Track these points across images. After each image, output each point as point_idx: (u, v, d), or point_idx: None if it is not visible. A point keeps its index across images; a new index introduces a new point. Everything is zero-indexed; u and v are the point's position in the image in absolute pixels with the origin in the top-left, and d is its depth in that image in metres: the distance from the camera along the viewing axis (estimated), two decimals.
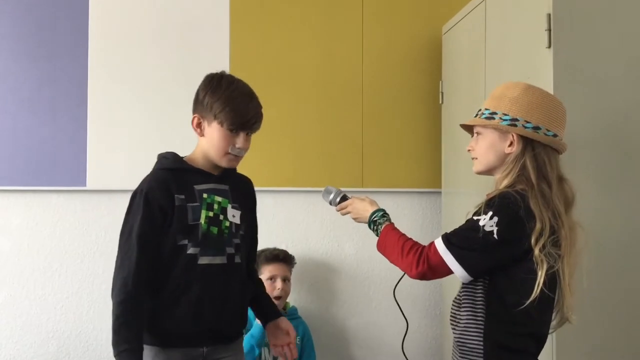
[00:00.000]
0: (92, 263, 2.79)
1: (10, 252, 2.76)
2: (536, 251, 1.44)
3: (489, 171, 1.61)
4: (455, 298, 1.60)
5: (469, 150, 1.65)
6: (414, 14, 2.93)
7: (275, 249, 2.73)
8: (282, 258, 2.69)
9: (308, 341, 2.73)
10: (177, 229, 1.72)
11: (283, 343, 1.87)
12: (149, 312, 1.72)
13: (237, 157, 1.79)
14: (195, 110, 1.79)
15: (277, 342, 1.88)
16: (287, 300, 2.73)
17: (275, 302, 2.55)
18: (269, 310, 1.96)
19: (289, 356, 1.87)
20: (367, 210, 1.76)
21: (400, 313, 1.84)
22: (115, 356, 1.69)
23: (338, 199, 1.87)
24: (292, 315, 2.72)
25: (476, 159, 1.62)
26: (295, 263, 2.78)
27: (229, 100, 1.73)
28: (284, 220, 2.88)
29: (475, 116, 1.62)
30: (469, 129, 1.67)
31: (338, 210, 1.87)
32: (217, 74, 1.80)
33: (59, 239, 2.78)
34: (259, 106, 1.80)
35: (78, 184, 2.76)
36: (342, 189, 1.93)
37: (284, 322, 1.91)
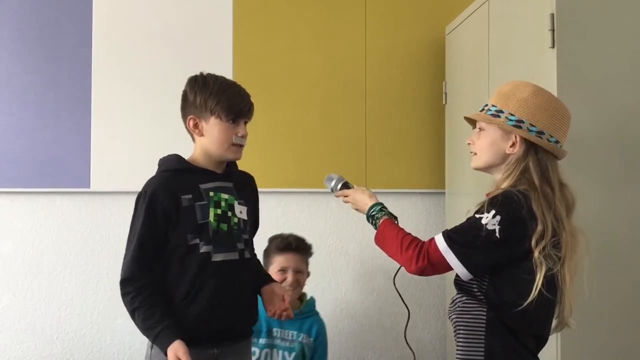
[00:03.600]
0: (96, 264, 2.79)
1: (15, 253, 2.77)
2: (536, 253, 1.43)
3: (487, 168, 1.61)
4: (453, 298, 1.60)
5: (469, 143, 1.64)
6: (416, 14, 2.93)
7: (290, 236, 2.47)
8: (295, 247, 2.43)
9: (322, 342, 2.50)
10: (188, 229, 1.73)
11: (279, 309, 1.86)
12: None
13: (241, 147, 1.82)
14: (188, 113, 1.82)
15: (273, 308, 1.87)
16: (304, 291, 2.51)
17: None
18: (263, 276, 1.97)
19: (285, 316, 1.86)
20: (365, 203, 1.76)
21: (403, 304, 1.84)
22: (153, 342, 1.70)
23: (339, 186, 1.88)
24: (309, 311, 2.47)
25: (475, 154, 1.62)
26: (313, 253, 2.55)
27: (220, 93, 1.76)
28: (287, 221, 2.88)
29: (481, 111, 1.61)
30: (472, 122, 1.66)
31: (337, 196, 1.87)
32: (198, 75, 1.84)
33: (63, 240, 2.78)
34: (249, 94, 1.84)
35: (82, 186, 2.77)
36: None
37: (278, 287, 1.91)
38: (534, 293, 1.43)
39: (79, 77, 2.79)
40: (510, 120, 1.53)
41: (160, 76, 2.81)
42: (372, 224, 1.74)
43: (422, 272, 1.54)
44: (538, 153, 1.52)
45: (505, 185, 1.52)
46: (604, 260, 1.77)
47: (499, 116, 1.55)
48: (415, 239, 1.58)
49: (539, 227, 1.43)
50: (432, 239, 1.53)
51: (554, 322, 1.56)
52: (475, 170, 1.64)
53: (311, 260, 2.75)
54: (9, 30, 2.77)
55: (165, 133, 2.78)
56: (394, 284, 1.82)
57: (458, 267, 1.49)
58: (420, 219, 2.92)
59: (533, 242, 1.43)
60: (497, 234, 1.44)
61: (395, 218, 1.73)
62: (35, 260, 2.78)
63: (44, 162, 2.77)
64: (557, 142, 1.53)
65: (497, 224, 1.44)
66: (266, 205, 2.89)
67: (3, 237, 2.77)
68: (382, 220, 1.69)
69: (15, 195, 2.77)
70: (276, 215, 2.87)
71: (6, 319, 2.75)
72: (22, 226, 2.77)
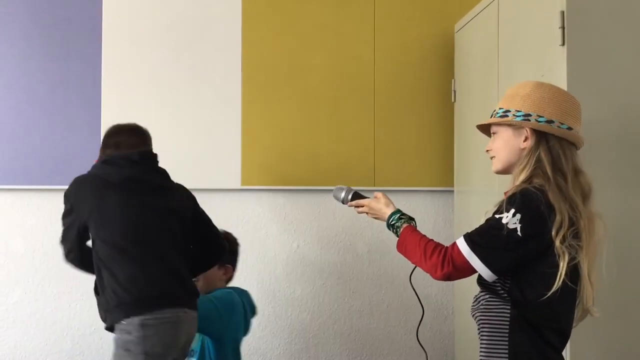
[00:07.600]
0: None
1: (25, 250, 2.79)
2: (557, 242, 1.43)
3: (507, 168, 1.61)
4: (476, 296, 1.60)
5: (487, 150, 1.65)
6: (426, 12, 2.92)
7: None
8: None
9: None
10: None
11: None
12: None
13: None
14: None
15: None
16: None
17: None
18: None
19: None
20: (384, 212, 1.77)
21: (413, 305, 1.84)
22: None
23: (350, 197, 1.88)
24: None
25: (495, 157, 1.63)
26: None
27: None
28: (296, 219, 2.88)
29: (490, 117, 1.63)
30: (485, 130, 1.67)
31: (350, 207, 1.87)
32: None
33: None
34: None
35: None
36: (354, 188, 1.93)
37: None
38: (557, 282, 1.43)
39: (88, 76, 2.81)
40: (518, 116, 1.55)
41: (170, 74, 2.82)
42: (393, 232, 1.74)
43: (448, 278, 1.54)
44: (549, 142, 1.52)
45: (521, 178, 1.53)
46: (620, 256, 1.74)
47: (507, 115, 1.57)
48: (438, 245, 1.57)
49: (557, 217, 1.44)
50: (454, 244, 1.53)
51: (577, 313, 1.56)
52: (497, 173, 1.64)
53: (320, 258, 2.75)
54: (19, 28, 2.79)
55: (174, 130, 2.79)
56: (411, 283, 1.82)
57: (482, 270, 1.49)
58: (429, 217, 2.91)
59: (553, 233, 1.44)
60: (519, 232, 1.44)
61: (413, 219, 1.74)
62: (46, 256, 2.79)
63: (55, 159, 2.78)
64: (570, 128, 1.53)
65: (518, 222, 1.45)
66: (275, 203, 2.91)
67: (14, 234, 2.79)
68: (402, 228, 1.69)
69: (26, 192, 2.79)
70: (284, 214, 2.87)
71: (17, 315, 2.77)
72: (33, 223, 2.79)
